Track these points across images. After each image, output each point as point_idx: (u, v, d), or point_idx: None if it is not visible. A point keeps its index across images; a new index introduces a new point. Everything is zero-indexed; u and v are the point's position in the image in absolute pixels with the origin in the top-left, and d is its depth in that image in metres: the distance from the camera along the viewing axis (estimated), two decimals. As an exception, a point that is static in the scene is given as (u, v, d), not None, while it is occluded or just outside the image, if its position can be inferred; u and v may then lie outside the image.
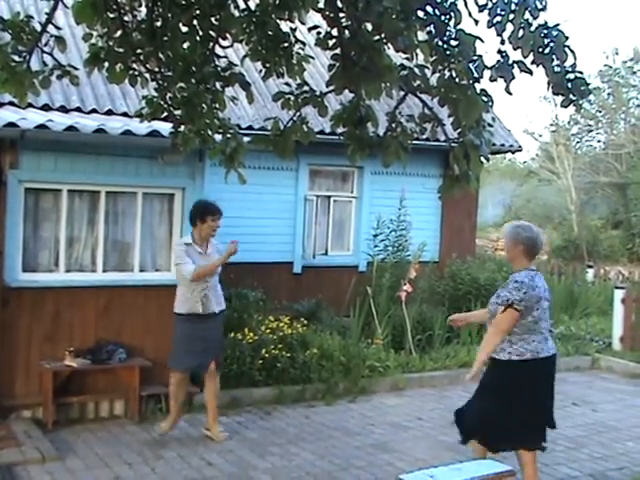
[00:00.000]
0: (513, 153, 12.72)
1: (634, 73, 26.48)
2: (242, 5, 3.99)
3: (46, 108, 7.52)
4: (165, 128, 5.48)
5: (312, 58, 4.31)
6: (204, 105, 4.29)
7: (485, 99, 3.53)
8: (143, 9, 4.08)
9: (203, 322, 5.69)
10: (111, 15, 3.89)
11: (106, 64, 4.14)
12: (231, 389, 6.74)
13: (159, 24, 4.05)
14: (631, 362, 8.84)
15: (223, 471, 5.22)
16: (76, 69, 4.24)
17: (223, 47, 4.22)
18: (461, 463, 4.48)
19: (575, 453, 5.88)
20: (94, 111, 7.90)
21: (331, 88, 3.94)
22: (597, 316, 10.86)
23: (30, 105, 6.99)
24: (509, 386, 4.55)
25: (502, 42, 3.36)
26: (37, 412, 6.00)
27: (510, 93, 3.46)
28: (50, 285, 6.11)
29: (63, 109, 7.69)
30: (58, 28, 4.19)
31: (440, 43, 3.40)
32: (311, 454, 5.62)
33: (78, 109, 7.82)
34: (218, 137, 4.57)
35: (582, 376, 8.60)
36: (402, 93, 3.99)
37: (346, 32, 3.68)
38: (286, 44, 4.05)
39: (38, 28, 3.91)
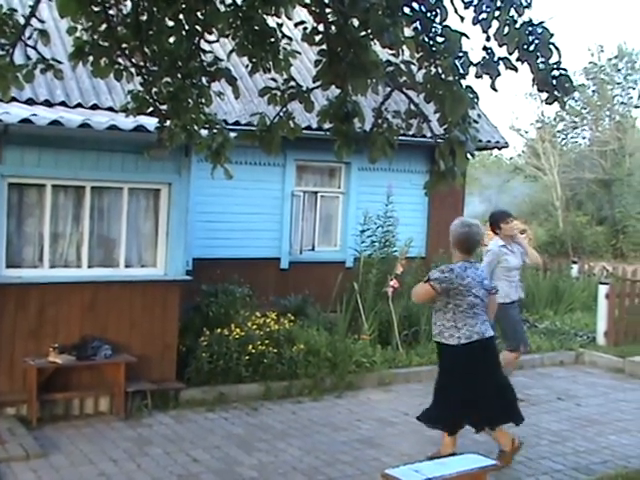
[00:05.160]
0: (499, 149, 12.76)
1: (619, 70, 26.67)
2: (228, 0, 3.97)
3: (30, 102, 7.45)
4: (151, 123, 5.44)
5: (298, 53, 4.30)
6: (190, 100, 4.26)
7: (471, 95, 3.54)
8: (128, 3, 4.05)
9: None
10: (96, 9, 3.86)
11: (91, 58, 4.10)
12: (218, 385, 6.74)
13: (144, 18, 4.02)
14: (615, 357, 8.92)
15: (209, 467, 5.21)
16: (60, 63, 4.21)
17: (209, 42, 4.20)
18: (446, 458, 4.51)
19: (559, 447, 5.92)
20: (79, 105, 7.83)
21: (318, 84, 3.93)
22: (581, 311, 10.96)
23: (14, 99, 6.92)
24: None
25: (487, 39, 3.37)
26: (21, 409, 5.97)
27: (496, 90, 3.47)
28: (34, 281, 6.07)
29: (47, 103, 7.62)
30: (42, 21, 4.15)
31: (426, 39, 3.40)
32: (298, 450, 5.62)
33: (63, 103, 7.76)
34: (204, 132, 4.54)
35: (566, 371, 8.67)
36: (388, 89, 3.99)
37: (332, 28, 3.67)
38: (272, 39, 4.03)
39: (21, 21, 3.87)
